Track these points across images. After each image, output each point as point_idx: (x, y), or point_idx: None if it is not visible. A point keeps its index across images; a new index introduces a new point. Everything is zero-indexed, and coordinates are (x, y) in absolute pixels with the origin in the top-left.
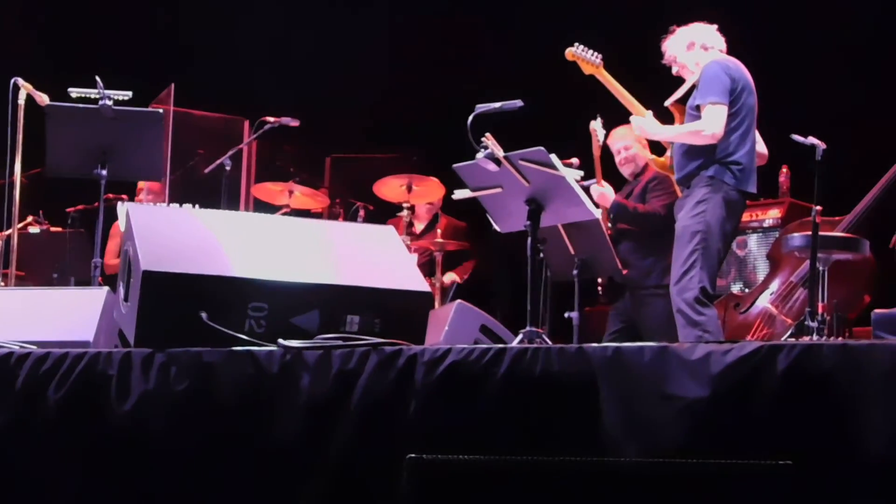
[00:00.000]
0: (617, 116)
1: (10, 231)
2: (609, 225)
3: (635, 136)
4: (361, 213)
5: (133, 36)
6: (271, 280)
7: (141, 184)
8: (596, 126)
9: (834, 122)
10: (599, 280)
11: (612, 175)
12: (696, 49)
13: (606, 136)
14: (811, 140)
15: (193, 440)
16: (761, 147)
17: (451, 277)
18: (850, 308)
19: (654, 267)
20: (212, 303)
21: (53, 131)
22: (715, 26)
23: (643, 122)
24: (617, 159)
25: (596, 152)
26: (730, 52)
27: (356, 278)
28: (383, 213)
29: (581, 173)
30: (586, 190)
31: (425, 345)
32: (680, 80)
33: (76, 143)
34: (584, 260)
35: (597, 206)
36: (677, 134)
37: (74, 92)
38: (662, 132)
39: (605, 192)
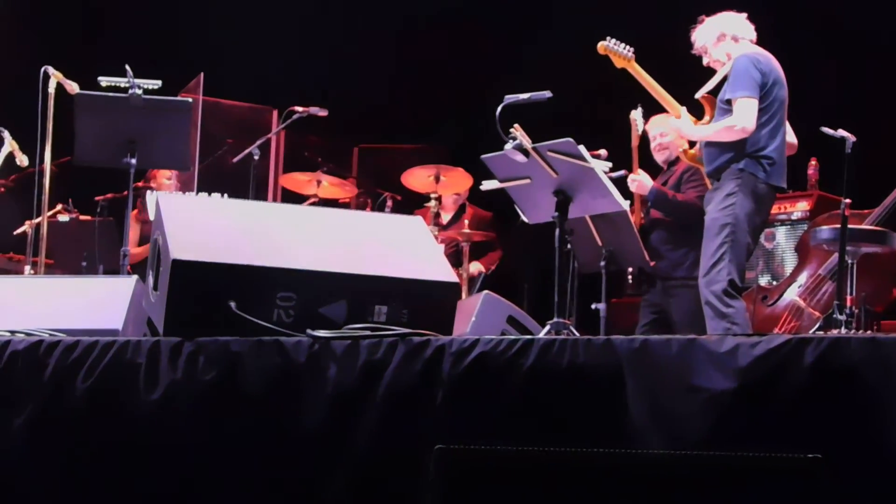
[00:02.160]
0: (657, 107)
1: (39, 219)
2: (642, 215)
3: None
4: (389, 203)
5: (163, 25)
6: (299, 269)
7: (153, 171)
8: (636, 116)
9: (864, 115)
10: (630, 270)
11: (648, 166)
12: (726, 40)
13: (645, 123)
14: (841, 132)
15: (221, 429)
16: (791, 137)
17: (476, 267)
18: (878, 301)
19: (685, 258)
20: (240, 292)
21: (82, 120)
22: (744, 15)
23: (679, 124)
24: (652, 145)
25: (634, 142)
26: (759, 41)
27: (384, 268)
28: (411, 203)
29: (609, 164)
30: (615, 181)
31: (453, 335)
32: (710, 71)
33: (105, 131)
34: (612, 251)
35: (626, 196)
36: (711, 133)
37: (104, 81)
38: (697, 132)
39: (641, 180)
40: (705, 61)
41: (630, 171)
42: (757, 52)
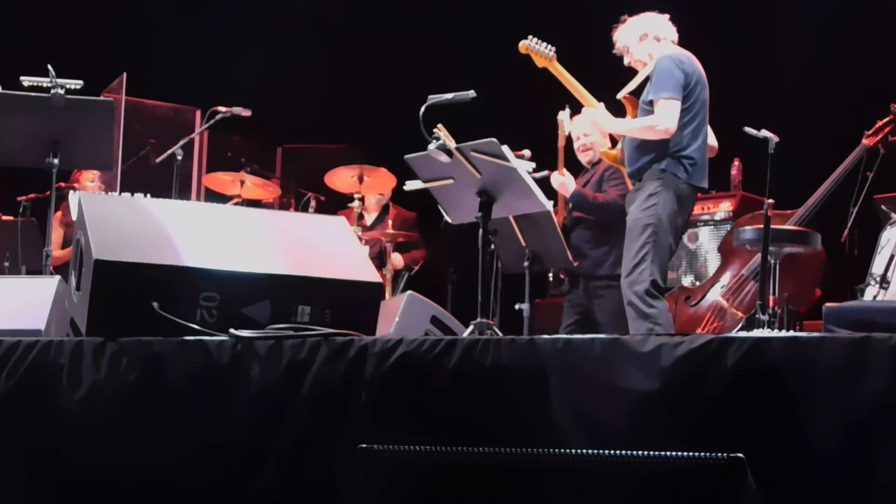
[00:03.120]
0: (581, 108)
1: None
2: (565, 214)
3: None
4: (313, 203)
5: (85, 24)
6: (223, 270)
7: (77, 172)
8: (563, 116)
9: (786, 115)
10: (552, 270)
11: (573, 167)
12: (648, 40)
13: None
14: (764, 133)
15: (144, 430)
16: (711, 139)
17: (398, 258)
18: (801, 301)
19: (606, 257)
20: (163, 292)
21: (4, 119)
22: (667, 16)
23: (595, 115)
24: (576, 145)
25: (560, 142)
26: (681, 42)
27: (307, 269)
28: (334, 203)
29: (533, 165)
30: (538, 181)
31: (376, 336)
32: (631, 71)
33: (27, 131)
34: (535, 252)
35: (550, 196)
36: (631, 128)
37: (26, 80)
38: (615, 125)
39: (565, 181)
40: (626, 61)
41: (555, 171)
42: (679, 52)
